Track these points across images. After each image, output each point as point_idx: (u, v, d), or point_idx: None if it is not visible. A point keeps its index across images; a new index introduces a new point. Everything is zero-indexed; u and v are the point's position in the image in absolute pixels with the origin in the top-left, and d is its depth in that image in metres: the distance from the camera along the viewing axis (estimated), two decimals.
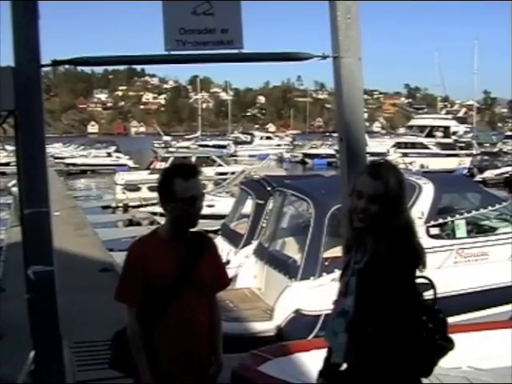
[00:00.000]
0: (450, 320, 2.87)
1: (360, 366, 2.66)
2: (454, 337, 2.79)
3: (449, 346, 2.75)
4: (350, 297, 2.72)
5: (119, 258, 11.70)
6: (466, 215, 8.65)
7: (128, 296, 3.14)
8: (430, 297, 2.82)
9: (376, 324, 2.61)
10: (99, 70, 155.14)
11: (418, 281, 2.75)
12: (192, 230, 3.24)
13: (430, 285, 2.83)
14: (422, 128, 46.75)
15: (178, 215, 3.12)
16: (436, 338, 2.70)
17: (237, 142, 69.38)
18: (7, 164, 42.49)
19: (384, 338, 2.60)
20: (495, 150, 42.37)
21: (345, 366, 2.73)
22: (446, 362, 2.84)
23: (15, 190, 19.43)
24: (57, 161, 46.73)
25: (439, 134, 45.22)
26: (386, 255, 2.62)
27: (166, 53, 3.96)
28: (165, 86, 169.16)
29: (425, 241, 7.53)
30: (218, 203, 18.06)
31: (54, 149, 53.39)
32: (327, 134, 72.75)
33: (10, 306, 8.18)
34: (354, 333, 2.66)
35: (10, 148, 38.90)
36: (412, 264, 2.68)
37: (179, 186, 3.08)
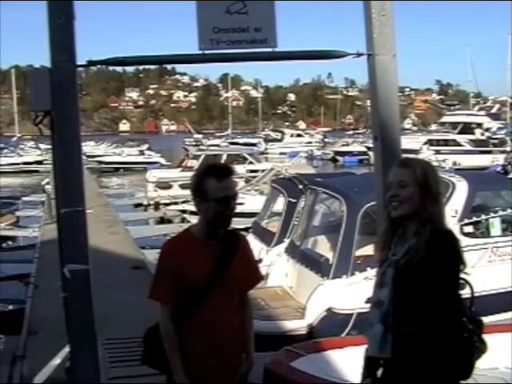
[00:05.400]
0: (486, 320, 2.84)
1: (403, 365, 2.65)
2: (490, 337, 2.78)
3: (484, 348, 2.73)
4: (386, 288, 2.72)
5: (151, 255, 11.81)
6: (500, 213, 8.52)
7: (161, 294, 3.14)
8: (465, 297, 2.79)
9: (422, 324, 2.59)
10: (130, 69, 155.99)
11: None
12: None
13: (467, 285, 2.80)
14: (454, 125, 46.11)
15: (212, 216, 3.11)
16: (474, 340, 2.67)
17: (267, 140, 69.35)
18: (41, 162, 43.27)
19: (430, 338, 2.58)
20: None
21: (381, 369, 2.71)
22: (482, 363, 2.81)
23: (49, 187, 19.68)
24: (89, 159, 47.27)
25: (479, 130, 44.48)
26: (432, 254, 2.59)
27: (201, 52, 3.98)
28: (195, 84, 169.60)
29: None
30: (247, 201, 18.06)
31: (86, 147, 53.77)
32: (355, 132, 71.97)
33: (43, 303, 8.32)
34: (397, 331, 2.64)
35: (44, 146, 39.51)
36: (458, 265, 2.66)
37: (212, 186, 3.07)
